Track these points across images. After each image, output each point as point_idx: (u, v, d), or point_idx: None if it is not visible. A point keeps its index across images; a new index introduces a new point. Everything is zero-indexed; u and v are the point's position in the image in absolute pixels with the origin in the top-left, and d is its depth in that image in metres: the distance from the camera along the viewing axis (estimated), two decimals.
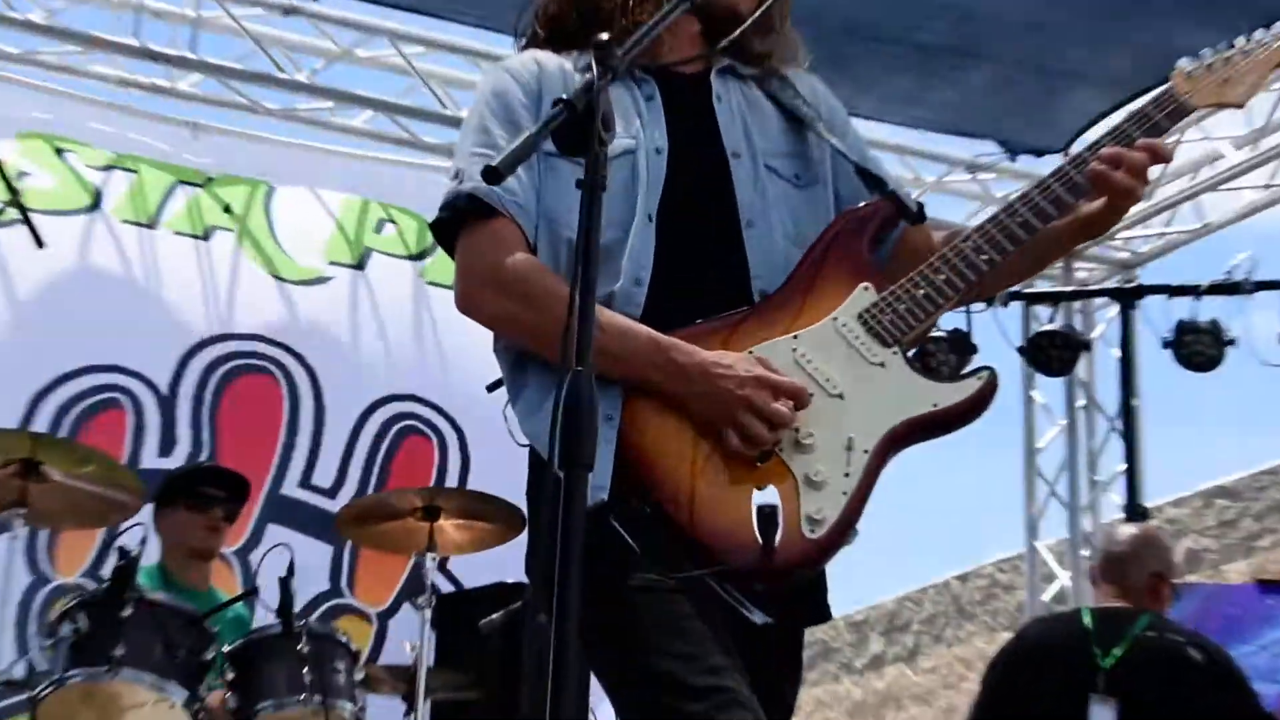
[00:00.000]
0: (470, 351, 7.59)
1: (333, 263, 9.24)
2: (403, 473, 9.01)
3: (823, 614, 3.39)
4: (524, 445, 3.32)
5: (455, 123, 8.95)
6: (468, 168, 3.36)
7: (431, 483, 8.84)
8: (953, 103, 9.61)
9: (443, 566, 8.01)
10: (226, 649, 6.15)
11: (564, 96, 2.74)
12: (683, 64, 3.53)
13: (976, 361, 9.14)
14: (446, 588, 8.22)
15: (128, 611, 5.83)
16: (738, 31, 3.36)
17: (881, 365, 3.29)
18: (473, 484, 8.73)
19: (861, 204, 3.49)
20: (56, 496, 6.17)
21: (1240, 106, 3.56)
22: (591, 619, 2.87)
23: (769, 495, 3.12)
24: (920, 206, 3.49)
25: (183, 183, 9.00)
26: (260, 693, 6.13)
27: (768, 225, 3.38)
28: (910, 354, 3.34)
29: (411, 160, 9.70)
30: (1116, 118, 3.45)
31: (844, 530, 3.14)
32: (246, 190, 9.13)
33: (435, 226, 3.44)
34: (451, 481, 8.98)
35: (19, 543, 6.54)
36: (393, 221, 9.46)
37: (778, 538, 3.06)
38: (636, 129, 3.41)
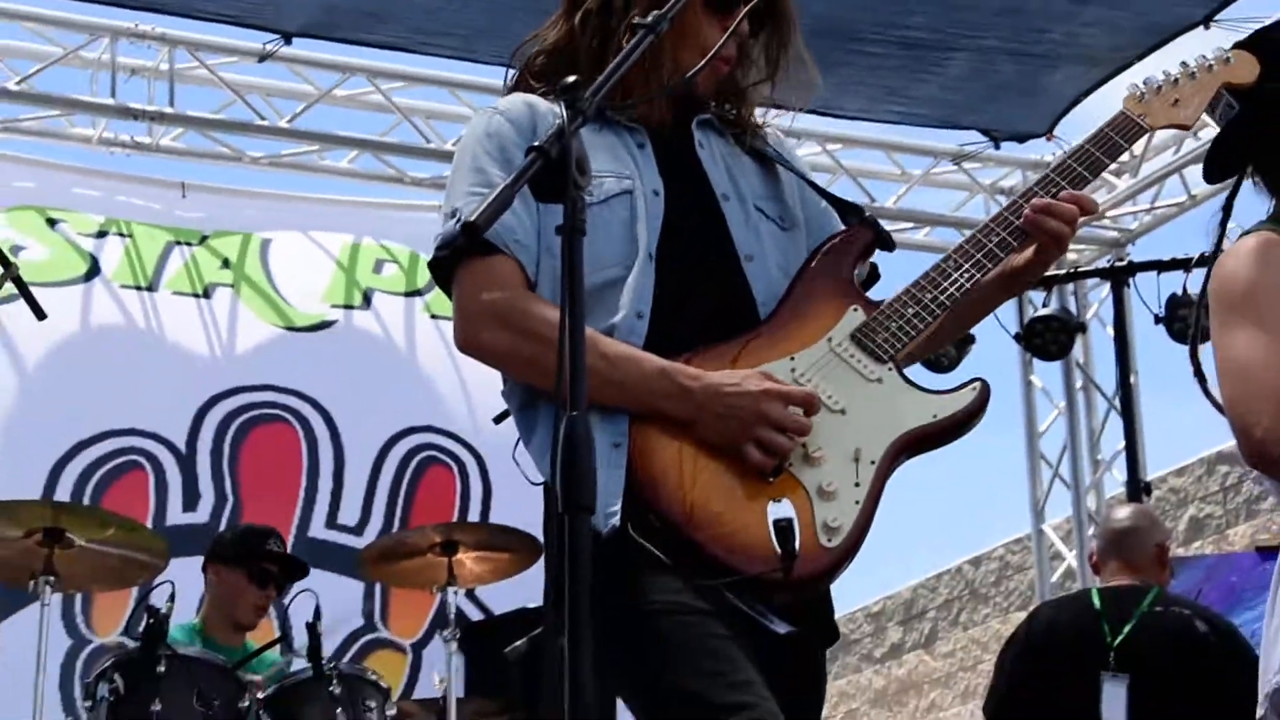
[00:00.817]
0: (484, 378, 8.37)
1: (335, 305, 9.32)
2: (426, 503, 9.11)
3: (833, 634, 3.41)
4: (539, 484, 3.31)
5: (441, 156, 9.31)
6: (464, 206, 3.35)
7: (455, 512, 9.02)
8: (935, 96, 9.69)
9: (471, 594, 8.08)
10: (261, 696, 6.22)
11: (536, 144, 2.71)
12: (665, 117, 3.54)
13: (974, 351, 9.56)
14: (475, 615, 8.33)
15: (161, 668, 5.95)
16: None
17: (879, 381, 3.32)
18: (496, 509, 8.91)
19: (843, 230, 3.55)
20: (82, 562, 6.27)
21: (1189, 128, 3.75)
22: (619, 644, 3.02)
23: (784, 509, 3.13)
24: (885, 237, 3.58)
25: (178, 242, 9.12)
26: None
27: (764, 260, 3.40)
28: (905, 369, 3.39)
29: (401, 201, 9.84)
30: (1078, 137, 3.79)
31: (859, 537, 3.17)
32: (241, 243, 9.25)
33: (434, 265, 3.43)
34: (475, 508, 9.11)
35: (54, 609, 6.56)
36: (392, 260, 9.56)
37: (796, 552, 3.07)
38: (634, 171, 3.42)
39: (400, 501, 9.19)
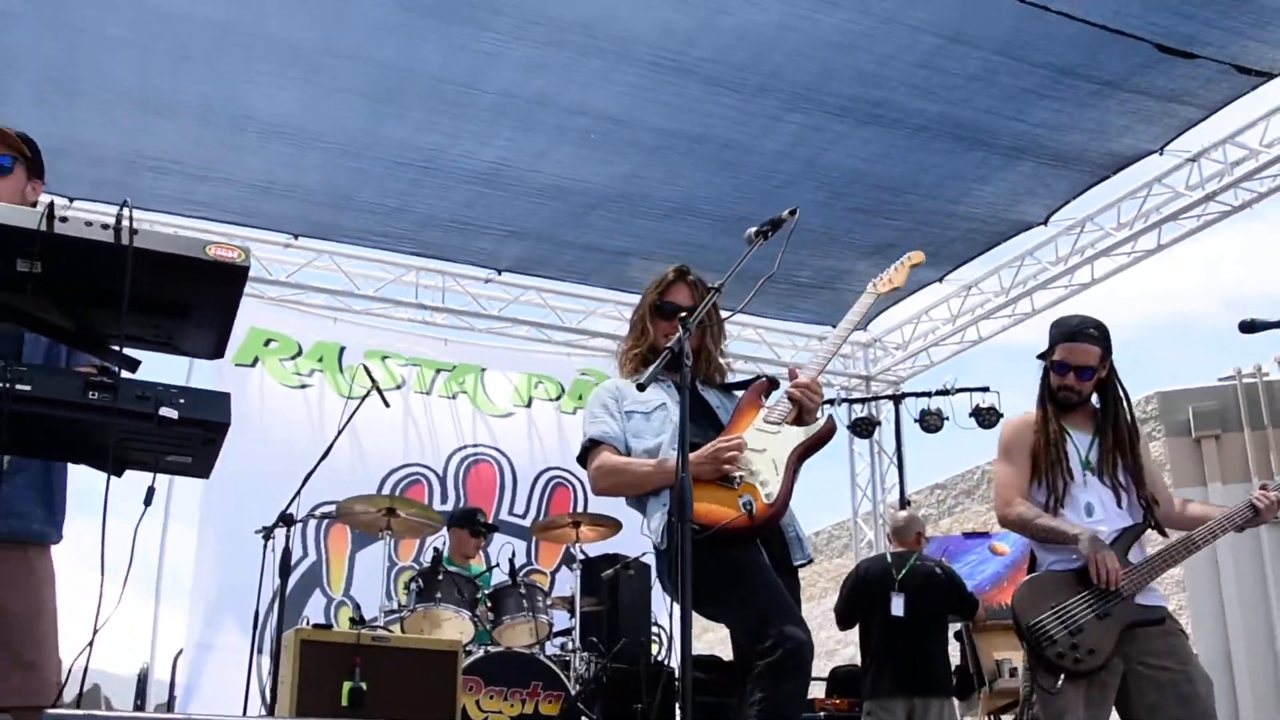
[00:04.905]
0: None
1: (516, 405, 9.68)
2: (556, 505, 9.47)
3: (797, 570, 3.63)
4: (649, 537, 3.60)
5: (571, 330, 9.93)
6: (592, 428, 3.76)
7: (570, 508, 9.33)
8: (812, 308, 10.04)
9: (581, 548, 7.65)
10: (486, 592, 6.88)
11: (670, 346, 3.17)
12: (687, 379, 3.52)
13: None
14: (581, 556, 7.76)
15: (440, 577, 6.67)
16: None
17: (779, 432, 3.56)
18: (591, 508, 8.17)
19: (754, 382, 3.83)
20: (404, 524, 6.90)
21: (900, 288, 4.08)
22: (715, 582, 3.24)
23: (746, 498, 3.40)
24: (776, 382, 3.79)
25: (440, 370, 9.44)
26: (504, 612, 6.85)
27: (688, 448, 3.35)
28: (791, 425, 3.61)
29: (549, 353, 10.01)
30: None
31: (785, 499, 3.43)
32: (474, 373, 9.58)
33: (581, 457, 3.76)
34: (580, 506, 9.29)
35: (384, 547, 6.83)
36: (543, 382, 9.85)
37: (754, 510, 3.37)
38: (666, 399, 3.67)
39: (545, 503, 9.52)
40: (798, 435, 3.55)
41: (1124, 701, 3.91)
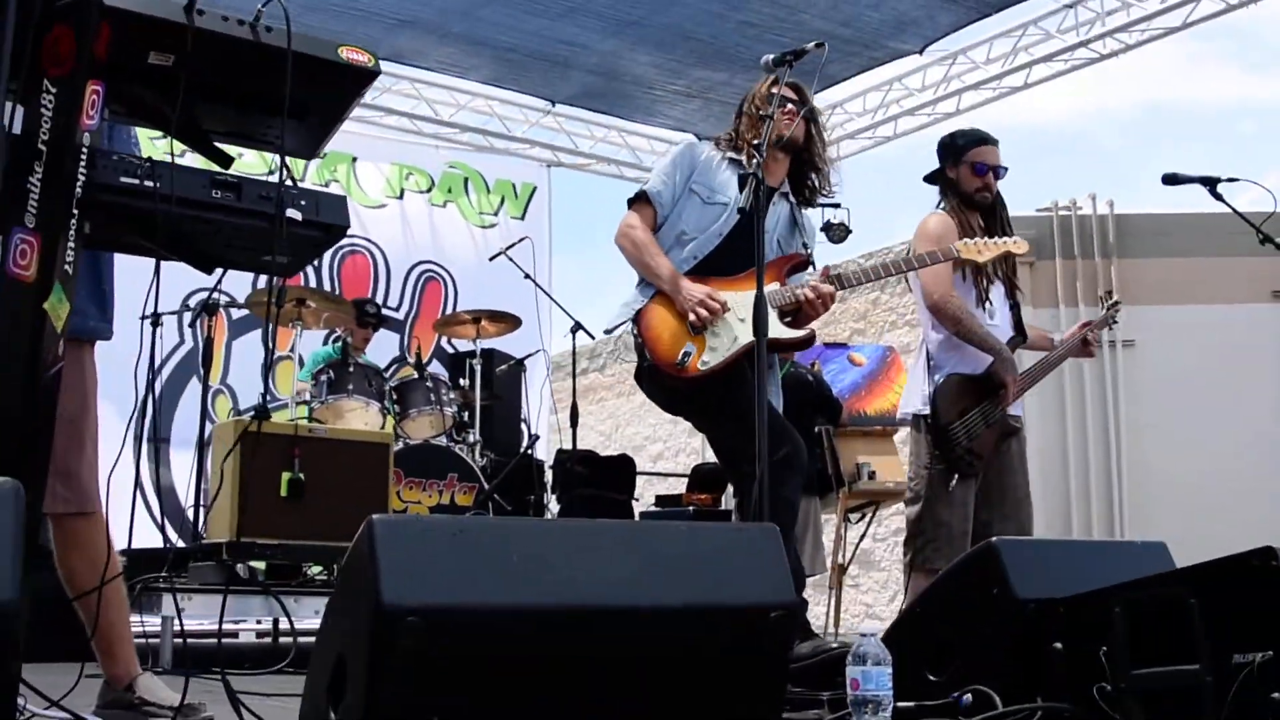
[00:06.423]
0: (460, 239, 9.16)
1: (388, 196, 9.64)
2: (429, 299, 9.52)
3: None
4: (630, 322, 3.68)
5: (442, 124, 9.79)
6: (653, 180, 3.79)
7: (440, 307, 9.44)
8: (679, 115, 9.79)
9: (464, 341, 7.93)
10: (393, 385, 6.94)
11: (753, 173, 3.13)
12: (771, 181, 3.72)
13: None
14: (455, 351, 8.59)
15: (351, 369, 6.72)
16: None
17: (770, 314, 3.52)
18: (461, 305, 9.17)
19: (797, 254, 3.85)
20: (313, 314, 6.70)
21: (979, 261, 4.09)
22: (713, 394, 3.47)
23: (690, 348, 3.52)
24: (809, 265, 3.82)
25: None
26: (410, 405, 6.98)
27: (764, 263, 3.43)
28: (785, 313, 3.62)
29: (420, 143, 9.85)
30: None
31: (716, 371, 3.55)
32: (345, 162, 9.48)
33: (631, 199, 3.80)
34: (450, 305, 9.49)
35: (263, 335, 7.33)
36: (413, 174, 9.74)
37: (688, 364, 3.53)
38: (731, 196, 3.67)
39: (417, 296, 9.54)
40: (773, 328, 3.52)
41: (977, 496, 4.36)
